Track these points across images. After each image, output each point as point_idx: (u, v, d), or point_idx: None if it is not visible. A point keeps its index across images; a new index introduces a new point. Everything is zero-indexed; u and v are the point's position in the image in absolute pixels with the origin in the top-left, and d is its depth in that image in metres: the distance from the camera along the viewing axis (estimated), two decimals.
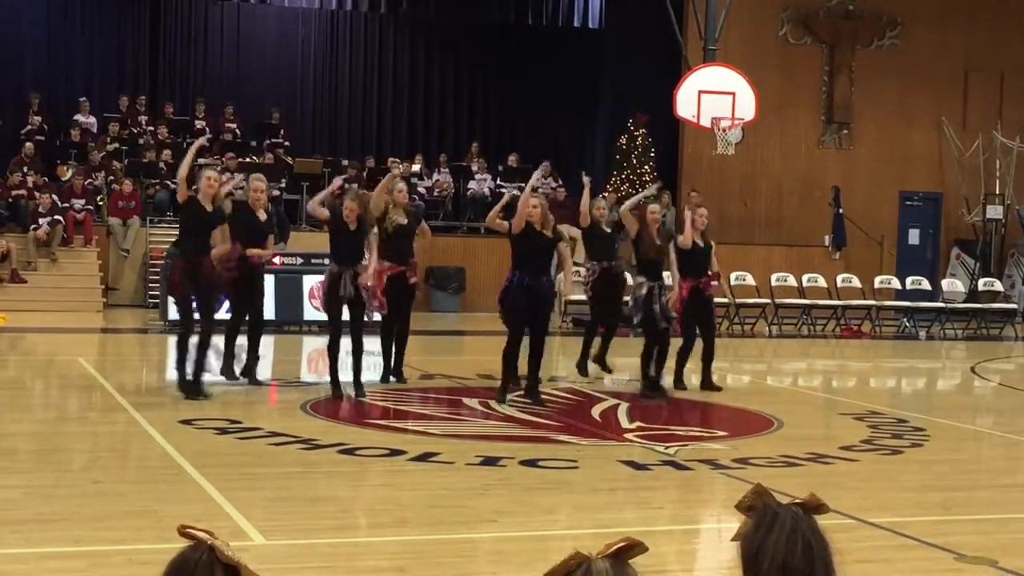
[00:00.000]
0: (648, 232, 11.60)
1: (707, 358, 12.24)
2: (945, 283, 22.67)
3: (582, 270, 13.00)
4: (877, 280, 21.75)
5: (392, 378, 11.99)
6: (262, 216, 11.48)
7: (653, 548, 2.13)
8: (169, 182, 21.84)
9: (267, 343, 12.72)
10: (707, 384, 12.24)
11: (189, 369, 10.62)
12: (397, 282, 11.58)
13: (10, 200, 21.07)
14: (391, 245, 11.52)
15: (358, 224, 10.82)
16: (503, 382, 11.01)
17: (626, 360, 13.91)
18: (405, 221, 11.72)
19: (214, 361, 11.60)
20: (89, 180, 21.28)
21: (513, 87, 26.36)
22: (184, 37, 25.43)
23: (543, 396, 11.11)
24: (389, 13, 26.26)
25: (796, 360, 12.59)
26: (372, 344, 11.62)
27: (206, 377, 10.88)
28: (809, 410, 11.86)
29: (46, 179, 21.44)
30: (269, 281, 16.56)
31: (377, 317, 11.44)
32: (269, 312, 14.91)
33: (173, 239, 11.57)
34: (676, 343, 11.97)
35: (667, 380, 11.93)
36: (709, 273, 12.20)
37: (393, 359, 12.02)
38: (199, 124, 23.90)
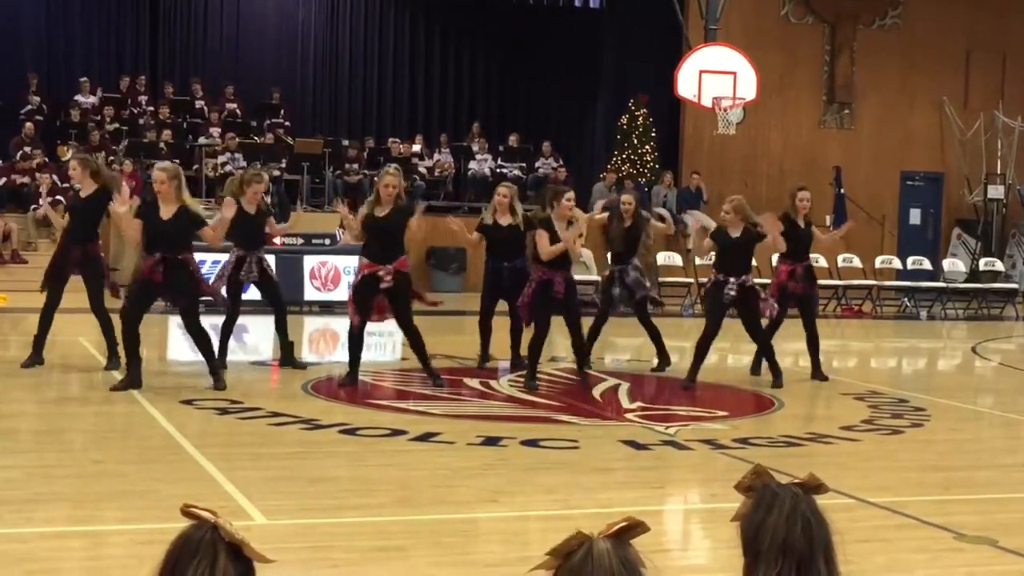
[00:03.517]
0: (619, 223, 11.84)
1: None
2: (946, 263, 22.67)
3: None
4: (878, 260, 21.74)
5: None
6: (164, 214, 10.41)
7: (654, 528, 2.13)
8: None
9: (266, 324, 12.72)
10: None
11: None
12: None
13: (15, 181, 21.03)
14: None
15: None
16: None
17: (627, 341, 13.93)
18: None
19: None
20: None
21: (514, 67, 26.33)
22: (184, 16, 25.35)
23: (539, 376, 11.16)
24: None
25: (797, 340, 12.56)
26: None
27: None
28: (809, 390, 11.85)
29: (47, 159, 21.42)
30: (270, 262, 16.53)
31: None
32: None
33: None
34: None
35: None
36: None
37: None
38: (199, 104, 23.87)
